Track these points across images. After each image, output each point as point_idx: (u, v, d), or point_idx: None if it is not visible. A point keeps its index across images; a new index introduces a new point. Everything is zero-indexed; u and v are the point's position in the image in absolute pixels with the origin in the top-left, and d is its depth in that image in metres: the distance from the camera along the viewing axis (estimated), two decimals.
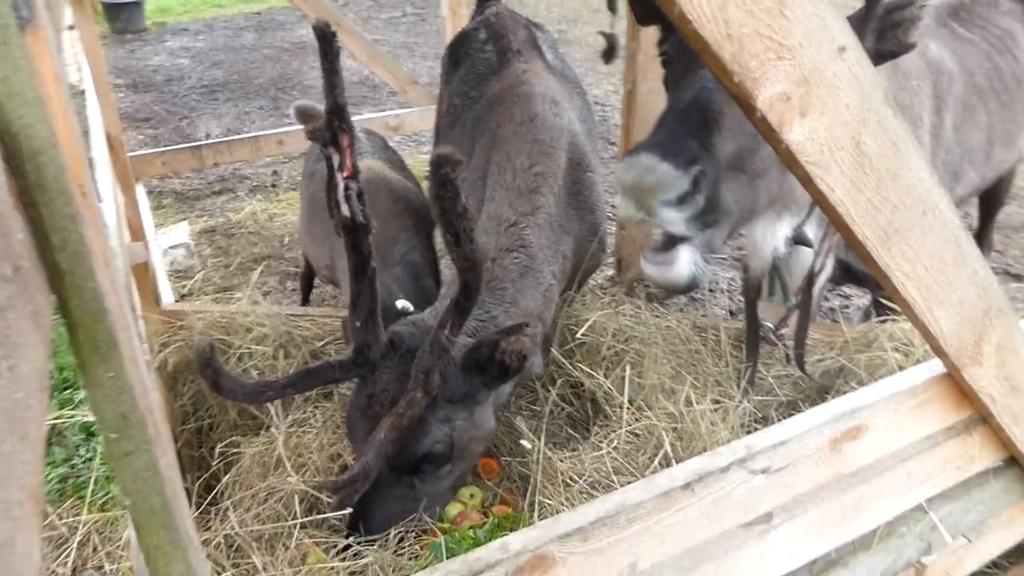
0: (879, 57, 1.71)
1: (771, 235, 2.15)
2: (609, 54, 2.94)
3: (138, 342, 1.04)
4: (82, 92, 4.09)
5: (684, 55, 1.92)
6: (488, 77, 2.98)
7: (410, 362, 2.00)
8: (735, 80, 1.23)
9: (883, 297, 2.80)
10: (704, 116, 1.70)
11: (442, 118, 3.41)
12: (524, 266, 2.36)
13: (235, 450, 2.41)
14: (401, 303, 2.31)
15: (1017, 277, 4.44)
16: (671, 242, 1.75)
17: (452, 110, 3.16)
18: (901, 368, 2.38)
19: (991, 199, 3.74)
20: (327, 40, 1.47)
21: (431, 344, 1.90)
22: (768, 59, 1.23)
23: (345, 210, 1.68)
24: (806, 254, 2.24)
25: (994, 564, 2.25)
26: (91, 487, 3.01)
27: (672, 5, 1.13)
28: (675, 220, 1.64)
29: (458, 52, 3.36)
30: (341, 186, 1.65)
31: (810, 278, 2.24)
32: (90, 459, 3.27)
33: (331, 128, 1.57)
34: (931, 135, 2.57)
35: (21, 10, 0.79)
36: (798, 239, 2.17)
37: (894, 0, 1.69)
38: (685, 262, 1.72)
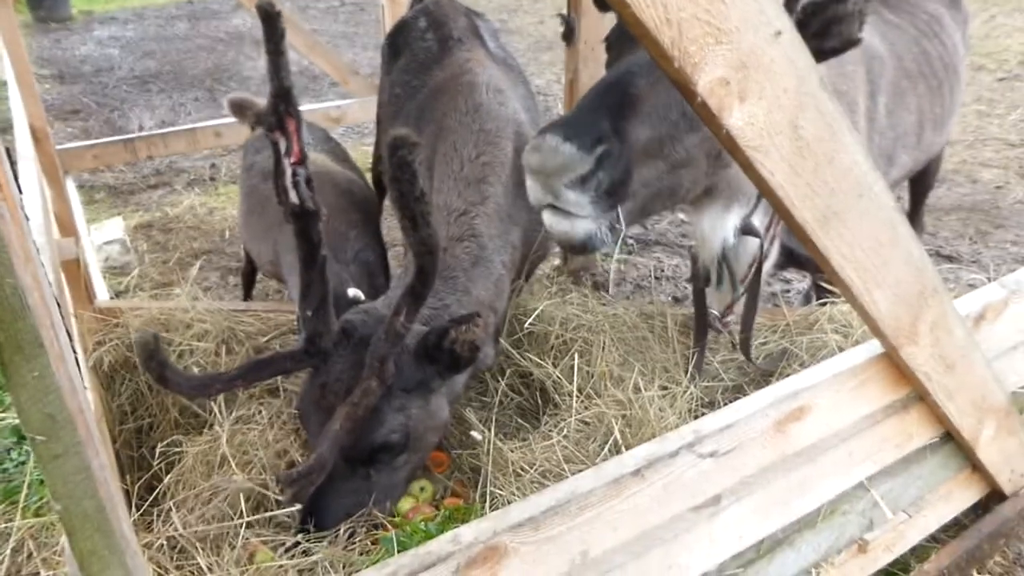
0: (822, 54, 1.72)
1: (720, 226, 2.18)
2: (569, 35, 2.93)
3: (67, 340, 0.99)
4: (3, 82, 3.91)
5: (621, 41, 1.92)
6: (430, 66, 2.95)
7: (363, 351, 1.96)
8: (675, 66, 1.23)
9: (823, 280, 2.86)
10: (621, 99, 1.70)
11: (384, 108, 3.36)
12: (475, 255, 2.35)
13: (177, 449, 2.34)
14: (353, 291, 2.27)
15: (948, 258, 4.59)
16: None
17: (394, 100, 3.11)
18: (841, 349, 2.44)
19: (921, 182, 3.85)
20: (271, 21, 1.43)
21: (386, 331, 1.87)
22: (707, 44, 1.24)
23: (294, 197, 1.64)
24: (752, 243, 2.27)
25: (932, 538, 2.32)
26: (24, 491, 2.90)
27: None
28: (579, 202, 1.64)
29: (398, 41, 3.31)
30: (289, 172, 1.60)
31: (758, 266, 2.27)
32: (23, 463, 3.16)
33: (276, 112, 1.53)
34: (866, 119, 2.63)
35: None
36: (746, 229, 2.20)
37: None
38: (585, 223, 1.70)
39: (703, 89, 1.26)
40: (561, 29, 3.42)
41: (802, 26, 1.65)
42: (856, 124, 2.53)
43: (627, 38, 1.89)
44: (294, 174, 1.59)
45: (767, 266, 2.29)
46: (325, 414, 1.96)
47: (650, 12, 1.15)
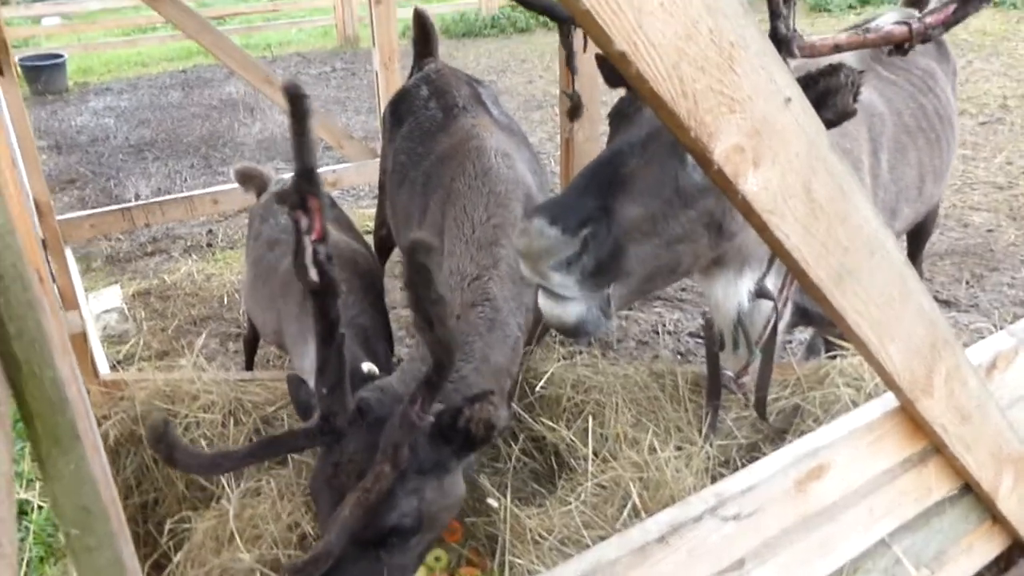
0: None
1: (734, 293, 2.18)
2: (575, 112, 2.98)
3: (96, 429, 0.98)
4: None
5: (617, 118, 1.96)
6: (435, 133, 2.99)
7: (378, 431, 1.94)
8: (692, 136, 1.25)
9: (832, 335, 2.87)
10: (611, 178, 1.73)
11: (388, 175, 3.39)
12: (490, 319, 2.33)
13: (185, 526, 2.30)
14: (367, 366, 2.25)
15: (946, 303, 4.61)
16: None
17: (399, 168, 3.14)
18: (854, 403, 2.43)
19: (921, 231, 3.90)
20: (298, 101, 1.44)
21: (401, 419, 1.85)
22: (721, 113, 1.26)
23: (313, 274, 1.65)
24: (767, 305, 2.28)
25: None
26: (24, 569, 2.84)
27: (628, 65, 1.15)
28: (566, 284, 1.67)
29: (400, 110, 3.36)
30: (309, 250, 1.61)
31: (773, 327, 2.28)
32: (23, 539, 3.09)
33: (300, 191, 1.54)
34: (871, 176, 2.67)
35: None
36: (760, 293, 2.22)
37: (822, 68, 1.73)
38: (576, 306, 1.72)
39: (719, 156, 1.28)
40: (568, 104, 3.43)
41: None
42: (861, 182, 2.57)
43: (622, 116, 1.94)
44: (315, 252, 1.59)
45: (780, 326, 2.30)
46: (337, 493, 1.92)
47: (666, 86, 1.18)
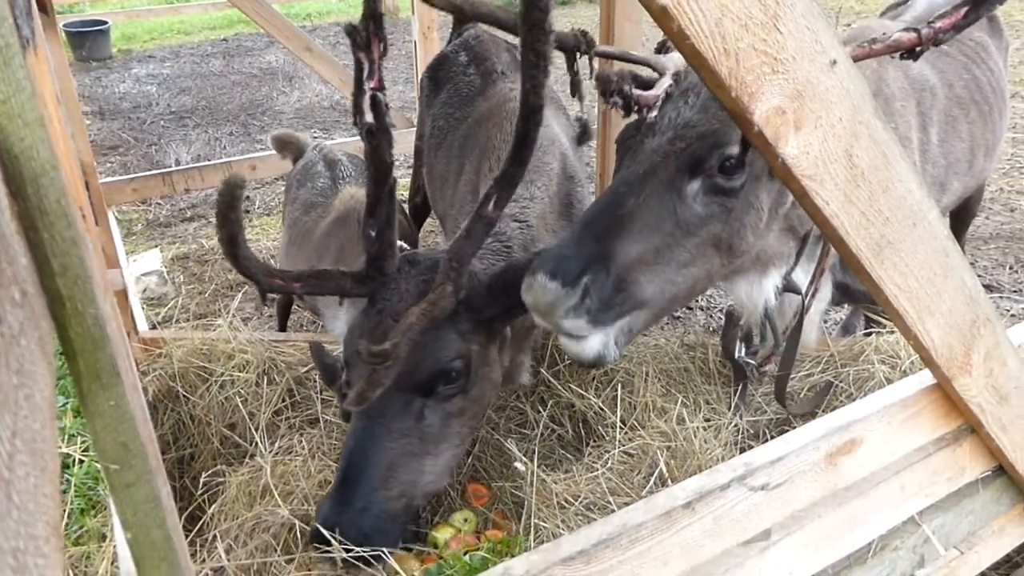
0: None
1: (759, 292, 2.18)
2: (582, 137, 2.96)
3: (135, 370, 1.01)
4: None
5: (622, 148, 1.99)
6: (474, 98, 2.98)
7: (428, 279, 1.90)
8: (732, 95, 1.23)
9: (873, 312, 2.82)
10: (609, 220, 1.79)
11: (425, 140, 3.39)
12: (528, 238, 2.33)
13: (220, 480, 2.35)
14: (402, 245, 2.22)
15: (988, 288, 4.52)
16: None
17: (437, 132, 3.14)
18: (889, 380, 2.40)
19: (965, 211, 3.81)
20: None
21: (471, 223, 1.79)
22: (763, 73, 1.24)
23: (369, 117, 1.67)
24: (795, 298, 2.26)
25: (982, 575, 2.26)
26: (65, 520, 2.92)
27: (670, 21, 1.14)
28: (577, 326, 1.74)
29: (438, 76, 3.36)
30: (368, 94, 1.64)
31: (799, 318, 2.26)
32: (64, 491, 3.18)
33: (368, 31, 1.57)
34: (920, 152, 2.61)
35: (23, 29, 0.77)
36: (788, 287, 2.20)
37: None
38: (593, 342, 1.79)
39: (759, 118, 1.26)
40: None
41: None
42: (910, 159, 2.52)
43: (626, 147, 1.96)
44: (372, 98, 1.63)
45: (821, 305, 2.27)
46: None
47: (708, 43, 1.16)
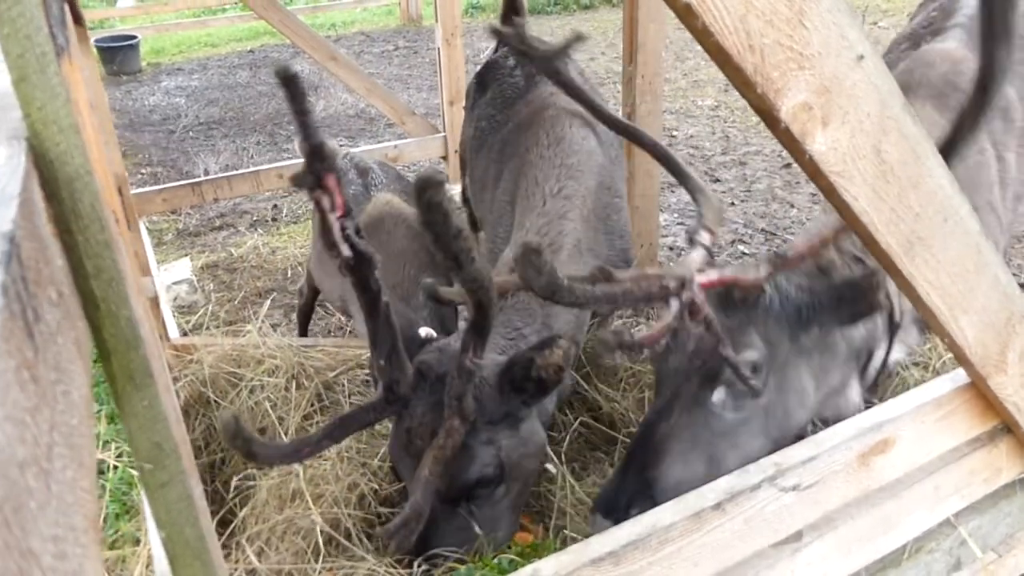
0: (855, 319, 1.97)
1: (846, 407, 2.21)
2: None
3: (167, 371, 1.02)
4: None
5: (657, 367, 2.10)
6: (515, 101, 3.00)
7: (442, 390, 1.96)
8: (758, 91, 1.23)
9: None
10: (646, 452, 1.95)
11: (467, 142, 3.42)
12: (545, 314, 2.33)
13: (251, 483, 2.37)
14: (424, 331, 2.27)
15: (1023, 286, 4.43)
16: None
17: (478, 133, 3.17)
18: (922, 382, 2.37)
19: None
20: (292, 83, 1.40)
21: (457, 370, 1.87)
22: (789, 69, 1.23)
23: (345, 250, 1.62)
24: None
25: None
26: (100, 524, 2.96)
27: (695, 18, 1.13)
28: None
29: (486, 79, 3.39)
30: (336, 226, 1.58)
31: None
32: (99, 496, 3.22)
33: (313, 171, 1.48)
34: (999, 184, 2.54)
35: (58, 38, 0.79)
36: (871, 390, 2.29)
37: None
38: None
39: (786, 115, 1.25)
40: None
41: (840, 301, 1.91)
42: (992, 205, 2.50)
43: (659, 371, 2.08)
44: (342, 228, 1.56)
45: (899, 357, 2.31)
46: (415, 459, 1.96)
47: (733, 40, 1.16)
